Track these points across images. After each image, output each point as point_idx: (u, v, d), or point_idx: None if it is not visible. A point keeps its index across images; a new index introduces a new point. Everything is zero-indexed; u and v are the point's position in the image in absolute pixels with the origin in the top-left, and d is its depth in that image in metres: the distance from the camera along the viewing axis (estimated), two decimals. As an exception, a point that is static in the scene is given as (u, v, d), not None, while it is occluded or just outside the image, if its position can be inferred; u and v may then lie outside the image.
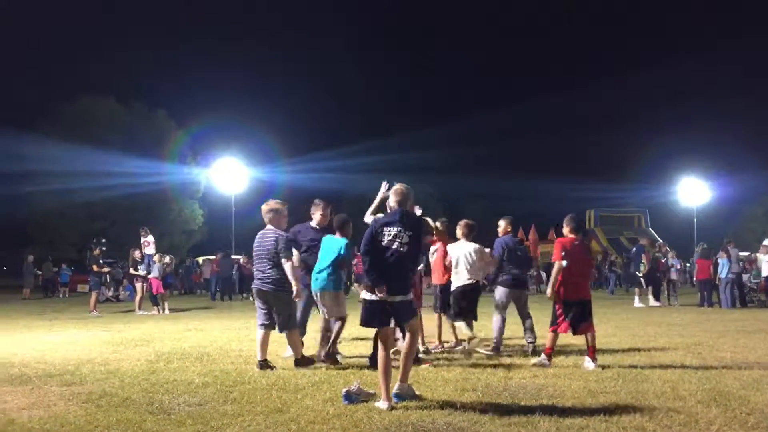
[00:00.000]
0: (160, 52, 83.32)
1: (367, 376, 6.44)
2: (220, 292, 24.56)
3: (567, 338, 9.59)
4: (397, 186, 5.73)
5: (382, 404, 5.08)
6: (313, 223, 7.90)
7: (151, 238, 18.22)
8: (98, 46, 75.69)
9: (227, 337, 10.28)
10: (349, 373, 6.68)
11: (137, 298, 17.31)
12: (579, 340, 7.65)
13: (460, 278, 8.28)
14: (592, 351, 7.06)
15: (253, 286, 7.32)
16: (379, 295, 5.28)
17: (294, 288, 6.92)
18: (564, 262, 7.09)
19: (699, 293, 18.41)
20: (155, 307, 16.88)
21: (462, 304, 8.22)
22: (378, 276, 5.27)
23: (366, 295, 5.40)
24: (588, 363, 6.96)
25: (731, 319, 13.21)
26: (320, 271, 7.24)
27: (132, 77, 66.48)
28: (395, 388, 5.31)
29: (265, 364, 6.92)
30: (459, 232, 8.50)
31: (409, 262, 5.46)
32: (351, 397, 5.23)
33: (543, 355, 7.18)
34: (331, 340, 7.32)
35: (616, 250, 40.35)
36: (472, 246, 8.32)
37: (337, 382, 6.06)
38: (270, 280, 7.01)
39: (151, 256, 17.66)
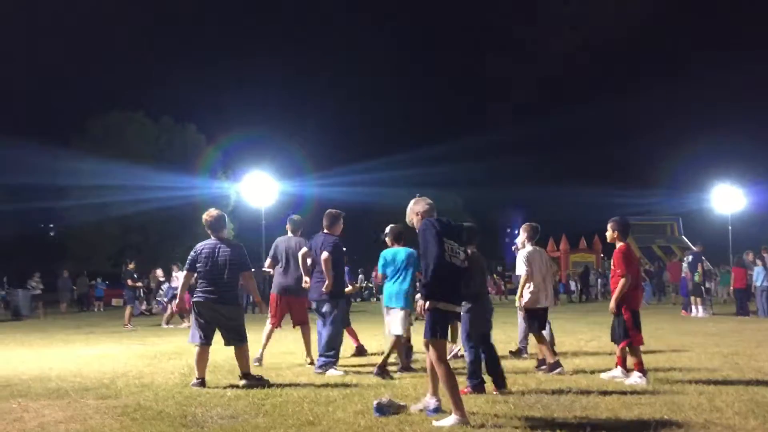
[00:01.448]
0: (190, 67, 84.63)
1: (398, 388, 6.44)
2: (251, 305, 24.76)
3: (605, 349, 9.49)
4: (419, 199, 5.54)
5: (456, 419, 4.87)
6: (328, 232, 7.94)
7: (180, 275, 18.53)
8: (128, 61, 77.16)
9: (257, 350, 10.32)
10: (380, 385, 6.67)
11: (166, 315, 17.56)
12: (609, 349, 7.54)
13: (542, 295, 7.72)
14: (621, 361, 6.91)
15: (206, 298, 6.83)
16: (452, 308, 5.23)
17: (257, 299, 7.35)
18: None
19: (736, 302, 18.09)
20: (183, 320, 17.01)
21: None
22: (451, 288, 5.17)
23: (442, 305, 5.10)
24: (618, 373, 6.81)
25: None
26: (400, 286, 7.31)
27: (162, 92, 67.63)
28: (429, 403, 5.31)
29: (204, 382, 6.78)
30: (524, 235, 8.01)
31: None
32: (382, 410, 5.22)
33: (636, 372, 6.66)
34: (385, 357, 7.38)
35: (649, 258, 39.77)
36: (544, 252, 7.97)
37: (368, 395, 6.06)
38: (229, 293, 6.90)
39: (175, 288, 17.94)
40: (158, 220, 37.07)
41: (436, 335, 5.10)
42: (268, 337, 8.69)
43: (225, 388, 6.70)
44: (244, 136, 50.01)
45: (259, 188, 33.63)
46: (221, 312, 6.84)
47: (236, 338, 6.91)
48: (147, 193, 35.13)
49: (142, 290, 21.74)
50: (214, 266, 6.86)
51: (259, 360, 8.43)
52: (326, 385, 6.68)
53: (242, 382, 6.75)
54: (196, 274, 7.00)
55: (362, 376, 7.38)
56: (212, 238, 7.11)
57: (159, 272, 18.05)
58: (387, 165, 50.77)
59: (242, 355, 6.90)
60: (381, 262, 7.54)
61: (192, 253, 7.05)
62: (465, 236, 5.76)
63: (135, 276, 18.14)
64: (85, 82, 68.31)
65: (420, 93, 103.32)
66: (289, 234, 8.77)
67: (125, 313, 17.16)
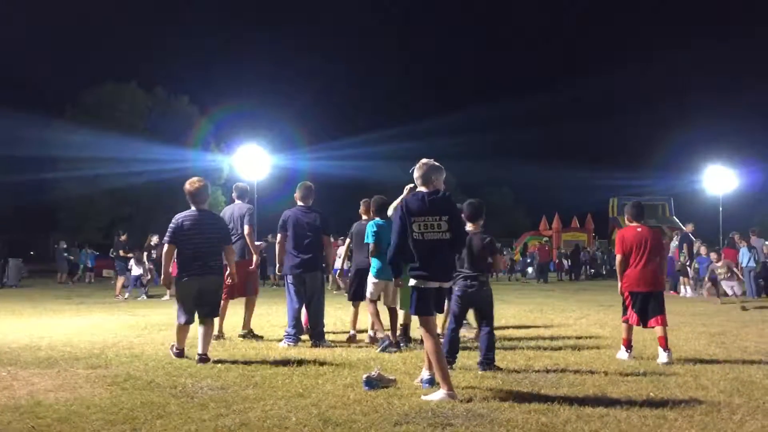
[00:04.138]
0: (184, 38, 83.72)
1: (388, 362, 6.48)
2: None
3: (591, 328, 9.56)
4: (421, 162, 5.35)
5: (444, 394, 4.94)
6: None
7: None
8: (122, 32, 76.14)
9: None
10: (369, 359, 6.71)
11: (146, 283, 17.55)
12: (601, 331, 7.61)
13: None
14: (663, 341, 6.70)
15: (192, 275, 6.63)
16: (431, 284, 5.16)
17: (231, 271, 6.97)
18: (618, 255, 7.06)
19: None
20: (145, 292, 16.94)
21: None
22: (428, 264, 5.10)
23: (417, 283, 5.14)
24: (661, 355, 6.65)
25: (756, 309, 13.05)
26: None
27: (155, 64, 66.91)
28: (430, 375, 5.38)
29: (183, 353, 6.78)
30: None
31: (452, 247, 5.24)
32: (371, 383, 5.26)
33: (622, 347, 6.96)
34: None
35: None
36: None
37: (357, 368, 6.10)
38: (217, 267, 6.77)
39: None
40: (150, 193, 36.90)
41: (417, 311, 5.21)
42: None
43: (215, 359, 6.73)
44: (237, 108, 49.72)
45: (252, 161, 33.48)
46: (204, 284, 6.66)
47: (212, 311, 6.82)
48: (139, 166, 34.93)
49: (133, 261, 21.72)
50: (199, 239, 6.64)
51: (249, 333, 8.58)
52: (316, 359, 6.71)
53: (197, 359, 6.55)
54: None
55: (352, 350, 7.42)
56: (193, 208, 6.79)
57: (155, 239, 17.96)
58: (381, 139, 50.66)
59: (211, 331, 6.82)
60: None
61: (172, 224, 6.67)
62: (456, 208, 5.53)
63: (126, 248, 18.11)
64: (79, 52, 67.40)
65: (418, 66, 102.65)
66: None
67: (116, 284, 17.16)
